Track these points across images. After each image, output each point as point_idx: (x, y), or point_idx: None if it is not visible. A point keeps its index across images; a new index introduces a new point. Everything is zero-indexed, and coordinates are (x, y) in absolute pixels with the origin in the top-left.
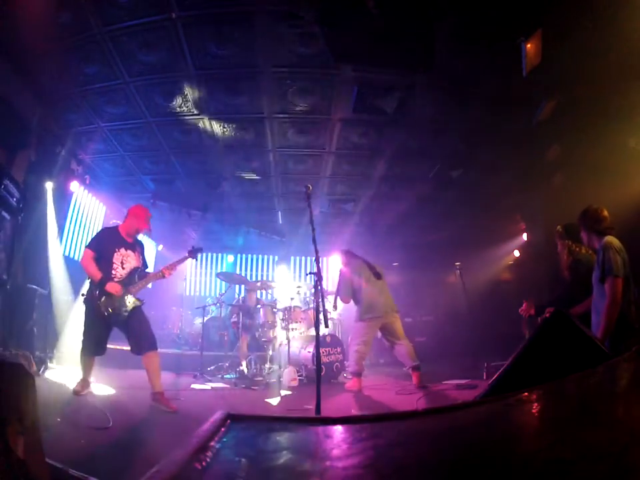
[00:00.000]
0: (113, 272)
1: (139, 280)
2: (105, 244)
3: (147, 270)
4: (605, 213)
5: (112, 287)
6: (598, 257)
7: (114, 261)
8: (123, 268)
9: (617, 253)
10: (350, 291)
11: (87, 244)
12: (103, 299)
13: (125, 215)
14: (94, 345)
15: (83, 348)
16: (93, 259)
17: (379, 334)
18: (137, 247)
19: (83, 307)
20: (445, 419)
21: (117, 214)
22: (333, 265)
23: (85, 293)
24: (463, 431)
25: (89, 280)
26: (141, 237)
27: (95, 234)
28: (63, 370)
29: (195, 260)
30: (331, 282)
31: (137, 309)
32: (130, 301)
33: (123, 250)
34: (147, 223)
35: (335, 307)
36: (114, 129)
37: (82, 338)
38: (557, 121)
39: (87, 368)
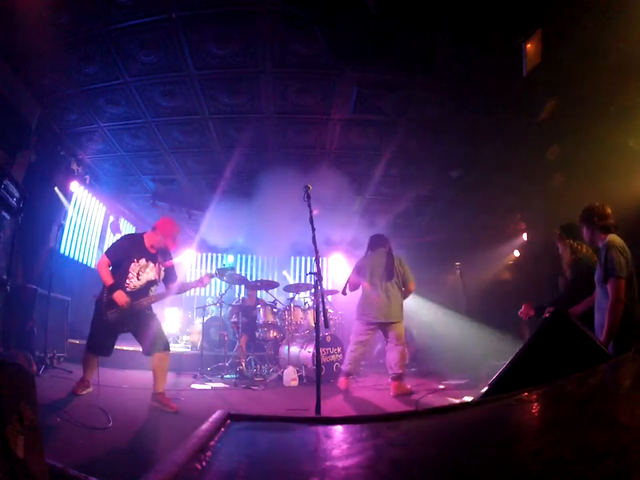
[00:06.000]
0: (127, 281)
1: (153, 293)
2: (125, 252)
3: (173, 282)
4: (609, 210)
5: (119, 297)
6: (600, 256)
7: (130, 270)
8: (139, 279)
9: (620, 252)
10: (353, 283)
11: (106, 250)
12: (110, 304)
13: (153, 225)
14: (98, 345)
15: (87, 346)
16: (108, 266)
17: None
18: (159, 258)
19: (94, 307)
20: (445, 419)
21: (116, 214)
22: (333, 265)
23: (97, 294)
24: (463, 431)
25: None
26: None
27: (116, 240)
28: (63, 370)
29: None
30: (330, 282)
31: (146, 311)
32: (137, 309)
33: (142, 261)
34: (175, 242)
35: (345, 292)
36: (114, 129)
37: (88, 337)
38: (557, 121)
39: (88, 367)
